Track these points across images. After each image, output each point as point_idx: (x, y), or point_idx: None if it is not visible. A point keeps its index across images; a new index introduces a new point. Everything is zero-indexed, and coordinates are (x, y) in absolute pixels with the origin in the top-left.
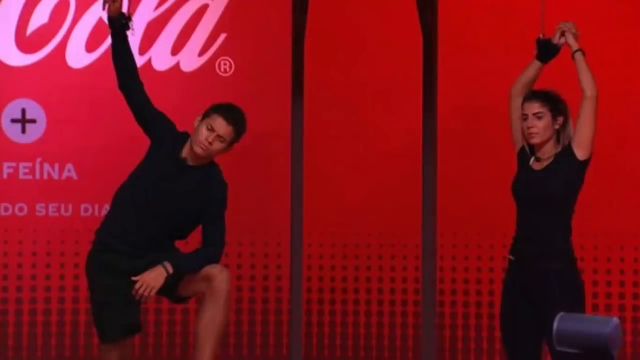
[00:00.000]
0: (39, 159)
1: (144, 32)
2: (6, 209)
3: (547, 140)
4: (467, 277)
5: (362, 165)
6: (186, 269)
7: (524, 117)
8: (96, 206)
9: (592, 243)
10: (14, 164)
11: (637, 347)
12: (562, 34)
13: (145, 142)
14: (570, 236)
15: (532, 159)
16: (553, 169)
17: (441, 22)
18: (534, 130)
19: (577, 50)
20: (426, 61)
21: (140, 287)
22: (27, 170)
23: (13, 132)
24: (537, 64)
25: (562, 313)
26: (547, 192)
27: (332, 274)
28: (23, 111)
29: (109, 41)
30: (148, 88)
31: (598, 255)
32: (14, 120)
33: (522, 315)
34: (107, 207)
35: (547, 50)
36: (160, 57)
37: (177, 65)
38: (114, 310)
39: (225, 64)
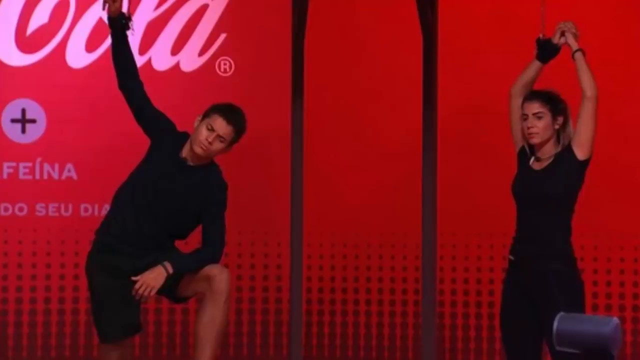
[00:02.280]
0: (39, 159)
1: (144, 32)
2: (6, 209)
3: (547, 140)
4: (467, 277)
5: (362, 165)
6: (186, 269)
7: (524, 117)
8: (96, 206)
9: (592, 243)
10: (14, 164)
11: (637, 347)
12: (562, 34)
13: (145, 142)
14: (570, 236)
15: (532, 159)
16: (553, 169)
17: (441, 22)
18: (534, 130)
19: (577, 50)
20: (426, 61)
21: (140, 287)
22: (27, 170)
23: (13, 132)
24: (537, 64)
25: (562, 313)
26: (547, 192)
27: (332, 274)
28: (23, 111)
29: (109, 41)
30: (148, 88)
31: (598, 255)
32: (14, 120)
33: (522, 315)
34: (107, 207)
35: (547, 50)
36: (160, 57)
37: (177, 65)
38: (114, 311)
39: (225, 64)
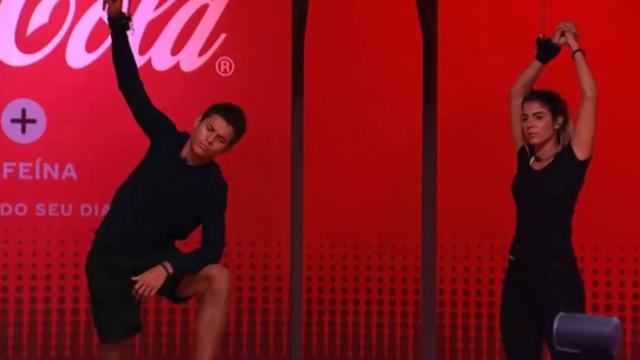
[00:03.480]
0: (39, 159)
1: (144, 32)
2: (6, 209)
3: (547, 140)
4: (467, 277)
5: (362, 165)
6: (186, 269)
7: (524, 117)
8: (96, 206)
9: (592, 243)
10: (14, 164)
11: (637, 347)
12: (562, 34)
13: (145, 142)
14: (570, 236)
15: (532, 159)
16: (553, 169)
17: (441, 22)
18: (534, 130)
19: (577, 50)
20: (426, 61)
21: (140, 287)
22: (27, 170)
23: (13, 132)
24: (537, 64)
25: (562, 313)
26: (547, 192)
27: (332, 274)
28: (23, 111)
29: (109, 41)
30: (148, 88)
31: (598, 255)
32: (14, 120)
33: (522, 315)
34: (107, 207)
35: (547, 50)
36: (160, 57)
37: (177, 65)
38: (114, 311)
39: (225, 64)
